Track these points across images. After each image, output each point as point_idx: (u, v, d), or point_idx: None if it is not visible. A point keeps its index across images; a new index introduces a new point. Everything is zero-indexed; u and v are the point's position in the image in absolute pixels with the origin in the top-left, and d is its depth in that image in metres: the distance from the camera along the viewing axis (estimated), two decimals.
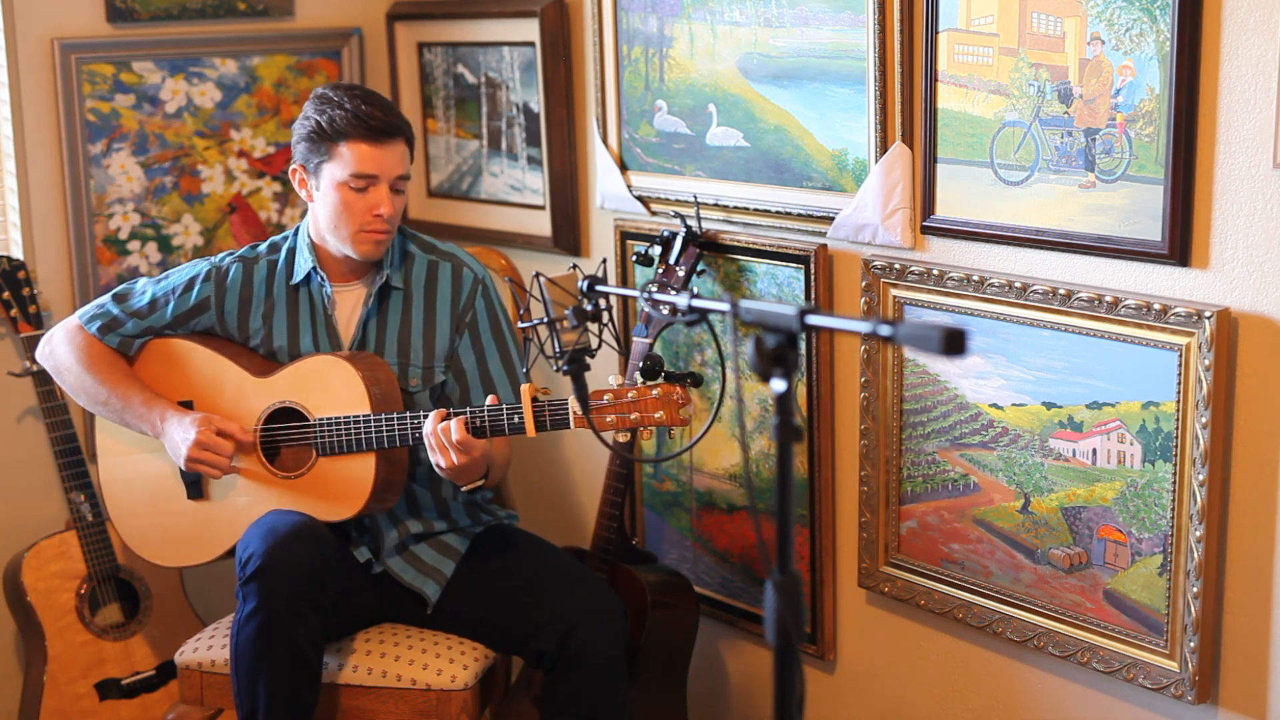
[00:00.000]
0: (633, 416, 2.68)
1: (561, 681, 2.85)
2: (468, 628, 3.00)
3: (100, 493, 3.23)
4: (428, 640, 2.98)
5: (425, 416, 2.80)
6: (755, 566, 3.30)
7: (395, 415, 2.84)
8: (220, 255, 3.10)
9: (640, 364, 2.73)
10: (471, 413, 2.77)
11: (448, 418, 2.76)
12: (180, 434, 2.92)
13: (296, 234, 3.09)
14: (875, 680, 3.14)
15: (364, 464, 2.88)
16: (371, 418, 2.85)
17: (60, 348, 3.08)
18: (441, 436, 2.74)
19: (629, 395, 2.68)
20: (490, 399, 2.77)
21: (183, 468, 2.92)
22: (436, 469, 2.80)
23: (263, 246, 3.10)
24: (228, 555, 3.03)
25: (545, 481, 3.79)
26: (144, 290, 3.07)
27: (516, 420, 2.74)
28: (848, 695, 3.19)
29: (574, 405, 2.70)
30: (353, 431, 2.86)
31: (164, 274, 3.11)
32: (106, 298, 3.09)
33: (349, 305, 3.03)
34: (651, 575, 3.27)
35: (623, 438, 2.77)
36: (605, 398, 2.69)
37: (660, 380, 2.69)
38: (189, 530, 3.04)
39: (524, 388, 2.74)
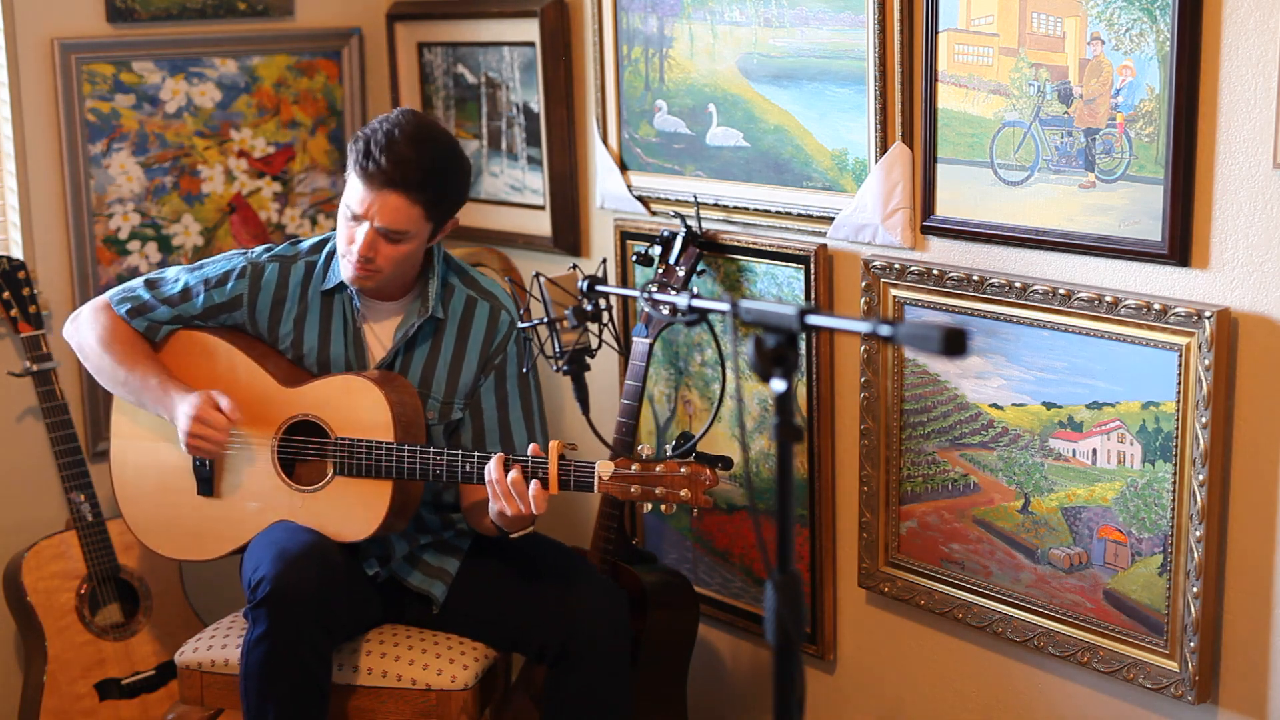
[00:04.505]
0: (657, 491, 2.66)
1: (565, 678, 2.85)
2: (470, 626, 3.00)
3: (109, 479, 3.22)
4: (428, 640, 2.98)
5: (449, 453, 2.77)
6: (755, 566, 3.30)
7: (418, 448, 2.81)
8: (258, 250, 3.04)
9: (675, 442, 2.71)
10: (499, 459, 2.72)
11: (509, 465, 2.70)
12: (183, 408, 2.88)
13: None
14: (875, 680, 3.14)
15: (379, 489, 2.85)
16: (394, 446, 2.82)
17: (85, 326, 3.04)
18: (512, 488, 2.69)
19: (656, 470, 2.65)
20: (532, 448, 2.73)
21: (183, 447, 2.90)
22: (497, 517, 2.76)
23: (305, 245, 3.04)
24: (228, 556, 3.02)
25: None
26: (176, 278, 3.03)
27: (541, 475, 2.69)
28: (848, 695, 3.19)
29: (600, 470, 2.68)
30: (373, 457, 2.83)
31: (199, 263, 3.06)
32: (138, 281, 3.05)
33: (382, 325, 2.99)
34: (651, 575, 3.27)
35: (644, 508, 2.75)
36: (633, 468, 2.66)
37: (691, 460, 2.67)
38: (194, 525, 3.03)
39: (553, 444, 2.70)
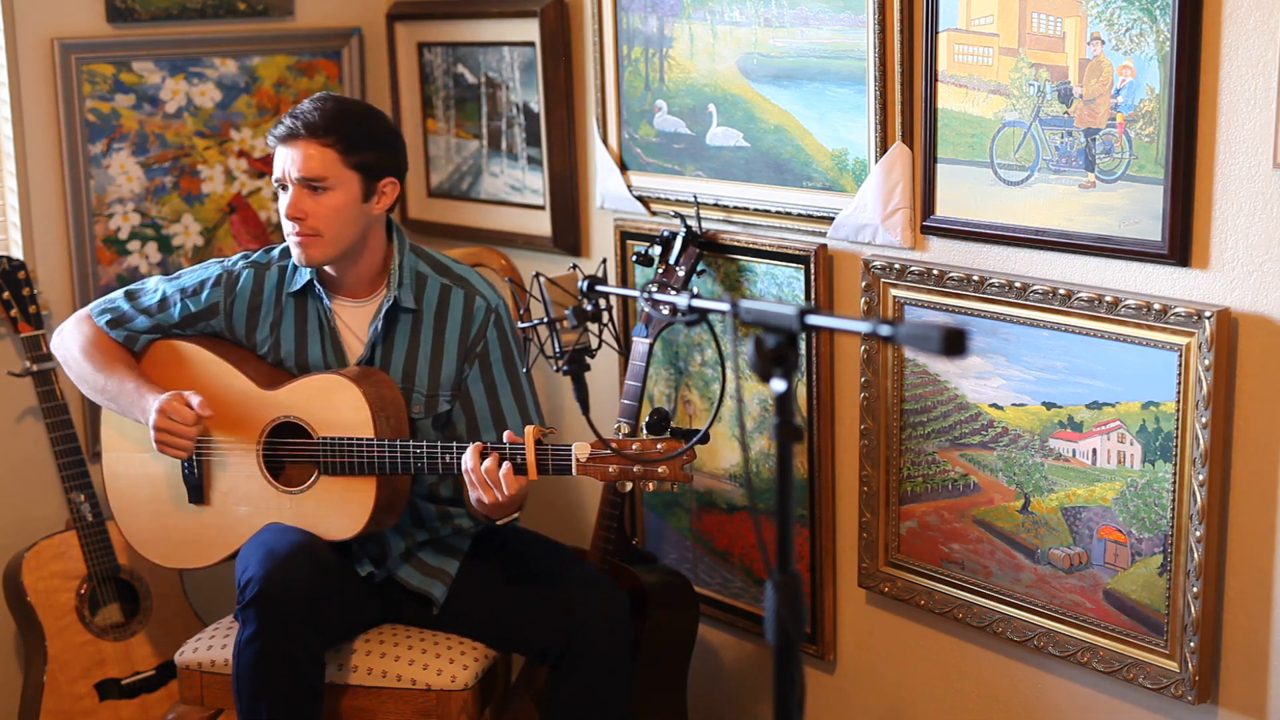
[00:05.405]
0: (635, 469, 2.66)
1: (566, 678, 2.85)
2: (470, 626, 3.00)
3: (103, 486, 3.23)
4: (428, 640, 2.98)
5: (428, 445, 2.78)
6: (755, 566, 3.30)
7: (399, 442, 2.82)
8: (234, 258, 3.07)
9: (648, 418, 2.71)
10: (476, 448, 2.74)
11: (485, 453, 2.72)
12: (152, 406, 2.88)
13: None
14: (875, 680, 3.14)
15: (365, 485, 2.86)
16: (375, 442, 2.83)
17: (69, 338, 3.07)
18: (486, 476, 2.70)
19: (633, 447, 2.66)
20: (508, 434, 2.74)
21: (154, 446, 2.90)
22: (477, 504, 2.77)
23: (277, 251, 3.06)
24: (225, 561, 3.03)
25: (545, 481, 3.78)
26: (156, 288, 3.05)
27: (519, 461, 2.70)
28: (848, 695, 3.19)
29: (577, 452, 2.69)
30: (355, 454, 2.84)
31: (177, 272, 3.09)
32: (119, 293, 3.08)
33: (356, 322, 3.00)
34: (651, 575, 3.27)
35: (624, 487, 2.75)
36: (609, 448, 2.66)
37: (666, 436, 2.67)
38: (188, 533, 3.04)
39: (528, 429, 2.71)
